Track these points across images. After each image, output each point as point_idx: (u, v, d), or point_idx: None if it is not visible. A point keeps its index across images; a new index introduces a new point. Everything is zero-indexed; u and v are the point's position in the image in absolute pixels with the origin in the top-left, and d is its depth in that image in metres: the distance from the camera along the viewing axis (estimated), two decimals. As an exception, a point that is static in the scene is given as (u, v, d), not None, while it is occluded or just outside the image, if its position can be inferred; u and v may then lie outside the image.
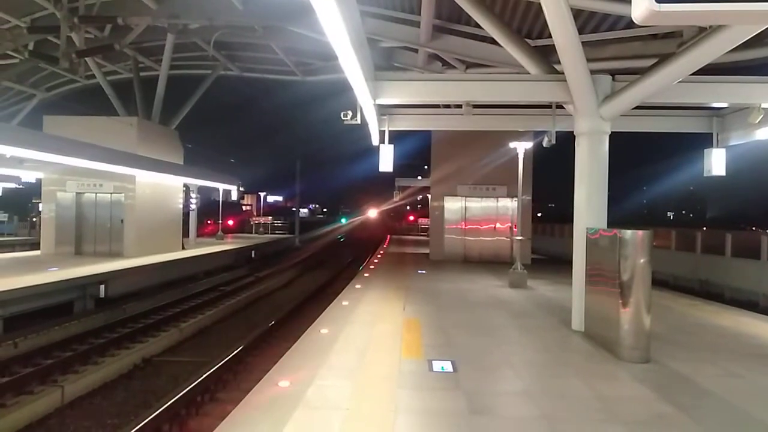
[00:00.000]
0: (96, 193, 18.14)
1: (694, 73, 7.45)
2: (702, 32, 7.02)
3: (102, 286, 13.19)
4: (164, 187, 20.00)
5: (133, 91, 19.43)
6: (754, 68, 9.58)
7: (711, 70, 7.98)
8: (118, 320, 12.07)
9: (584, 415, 4.77)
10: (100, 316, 12.42)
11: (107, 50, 16.10)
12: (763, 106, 8.78)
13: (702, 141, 11.65)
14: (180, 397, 7.43)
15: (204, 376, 8.31)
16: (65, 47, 13.53)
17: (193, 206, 26.27)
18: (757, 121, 8.95)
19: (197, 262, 19.49)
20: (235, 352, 9.68)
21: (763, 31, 7.18)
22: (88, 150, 14.14)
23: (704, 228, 26.39)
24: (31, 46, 16.13)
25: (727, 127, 11.11)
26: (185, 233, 24.32)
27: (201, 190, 27.17)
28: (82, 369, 8.92)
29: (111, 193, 18.06)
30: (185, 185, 23.44)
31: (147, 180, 18.32)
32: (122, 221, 17.99)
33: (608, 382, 5.72)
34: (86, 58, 16.09)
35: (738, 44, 6.57)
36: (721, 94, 8.85)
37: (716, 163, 11.16)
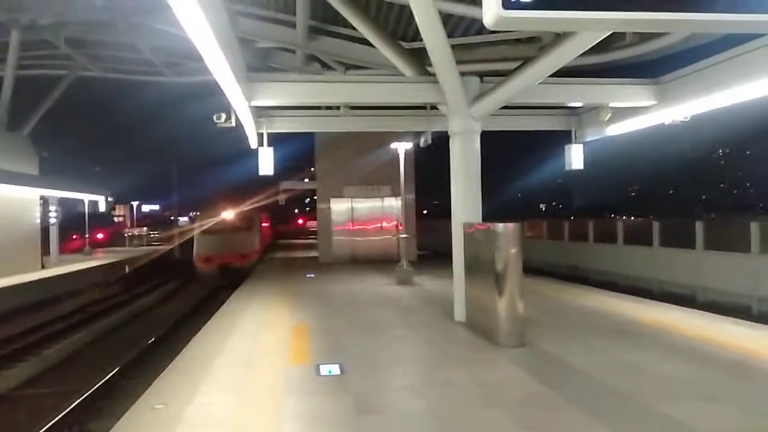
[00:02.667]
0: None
1: (552, 75, 8.04)
2: (558, 37, 7.62)
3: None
4: (15, 201, 17.91)
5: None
6: (604, 71, 10.57)
7: (568, 72, 8.70)
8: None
9: (467, 402, 4.95)
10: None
11: None
12: (611, 105, 9.73)
13: (567, 137, 12.68)
14: (42, 432, 6.68)
15: (72, 406, 7.54)
16: None
17: (52, 220, 23.80)
18: (606, 119, 9.90)
19: (60, 281, 17.67)
20: (108, 376, 8.90)
21: (610, 37, 7.94)
22: None
23: (571, 217, 28.83)
24: None
25: (583, 124, 12.18)
26: (45, 251, 21.97)
27: (62, 202, 24.71)
28: None
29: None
30: (42, 198, 21.17)
31: (-7, 193, 16.29)
32: (-36, 240, 15.86)
33: (488, 368, 6.00)
34: None
35: (587, 49, 7.19)
36: (576, 95, 9.68)
37: (575, 157, 12.18)
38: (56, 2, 12.45)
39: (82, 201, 26.72)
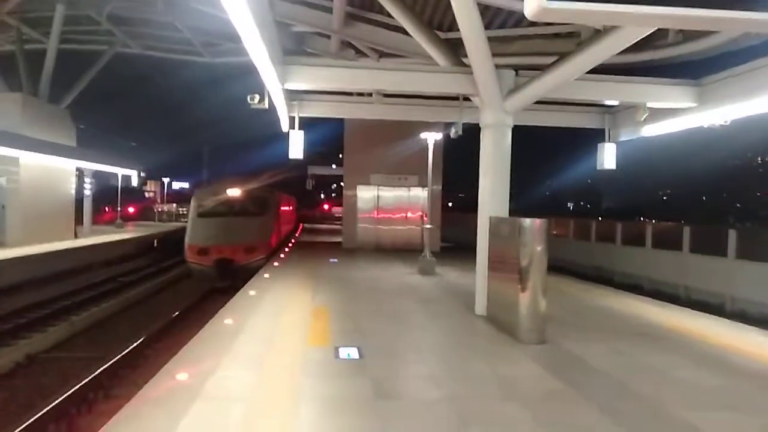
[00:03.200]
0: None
1: (589, 72, 7.91)
2: (597, 33, 7.48)
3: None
4: (53, 171, 18.44)
5: (18, 66, 17.66)
6: (642, 70, 10.33)
7: (604, 69, 8.53)
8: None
9: (484, 394, 4.96)
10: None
11: None
12: (648, 105, 9.51)
13: (599, 136, 12.46)
14: (69, 395, 6.92)
15: (98, 371, 7.78)
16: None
17: (87, 192, 24.43)
18: (642, 119, 9.68)
19: (92, 251, 18.19)
20: (134, 345, 9.16)
21: (652, 35, 7.76)
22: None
23: (599, 218, 28.38)
24: None
25: (618, 123, 11.94)
26: (79, 221, 22.59)
27: (97, 175, 25.33)
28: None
29: (-10, 176, 16.40)
30: (78, 169, 21.74)
31: (33, 162, 16.78)
32: (3, 207, 16.39)
33: (507, 362, 5.99)
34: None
35: (628, 46, 7.06)
36: (612, 93, 9.48)
37: (608, 157, 11.96)
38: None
39: (115, 175, 27.34)
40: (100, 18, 15.90)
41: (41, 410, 6.35)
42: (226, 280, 14.73)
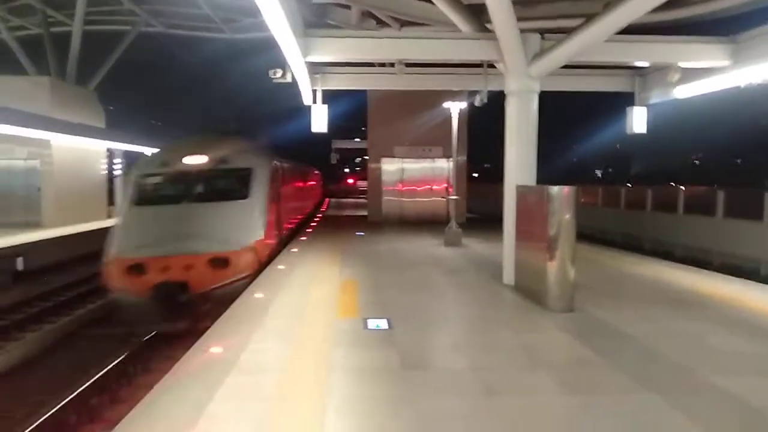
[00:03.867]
0: (8, 159, 16.85)
1: (618, 33, 7.66)
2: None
3: (20, 259, 12.40)
4: (85, 152, 18.83)
5: (45, 49, 17.92)
6: (673, 29, 9.95)
7: (634, 30, 8.24)
8: (39, 294, 11.42)
9: (512, 363, 4.97)
10: (17, 291, 11.70)
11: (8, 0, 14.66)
12: (681, 65, 9.17)
13: (628, 100, 12.11)
14: (111, 368, 7.20)
15: (132, 348, 8.07)
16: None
17: (118, 172, 24.91)
18: (675, 80, 9.36)
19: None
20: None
21: (681, -8, 7.43)
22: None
23: (628, 184, 27.81)
24: None
25: (648, 86, 11.57)
26: (111, 201, 23.13)
27: (126, 155, 25.77)
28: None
29: (25, 159, 16.81)
30: (109, 150, 22.15)
31: (65, 144, 17.15)
32: (38, 189, 16.86)
33: (535, 331, 5.99)
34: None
35: (659, 4, 6.79)
36: (643, 54, 9.17)
37: (637, 121, 11.65)
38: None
39: (144, 154, 27.75)
40: (121, -3, 15.97)
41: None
42: (178, 321, 8.61)
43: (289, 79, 9.15)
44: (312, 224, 19.58)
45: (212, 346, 5.34)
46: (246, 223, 9.94)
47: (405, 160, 20.49)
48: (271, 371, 4.69)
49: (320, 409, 3.93)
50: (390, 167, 20.59)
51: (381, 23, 12.98)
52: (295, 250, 12.32)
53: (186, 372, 4.71)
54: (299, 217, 18.98)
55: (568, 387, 4.37)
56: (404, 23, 12.45)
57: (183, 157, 10.55)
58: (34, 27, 19.07)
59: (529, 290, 7.38)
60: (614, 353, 5.17)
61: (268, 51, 9.36)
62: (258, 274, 9.32)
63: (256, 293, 7.76)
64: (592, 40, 7.75)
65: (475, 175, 45.89)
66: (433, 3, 9.46)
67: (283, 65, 8.86)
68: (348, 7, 12.68)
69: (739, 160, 71.98)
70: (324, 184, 40.64)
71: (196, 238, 9.13)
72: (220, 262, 8.89)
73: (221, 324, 6.25)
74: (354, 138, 39.25)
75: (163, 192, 10.63)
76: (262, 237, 10.11)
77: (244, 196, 10.29)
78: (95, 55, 20.22)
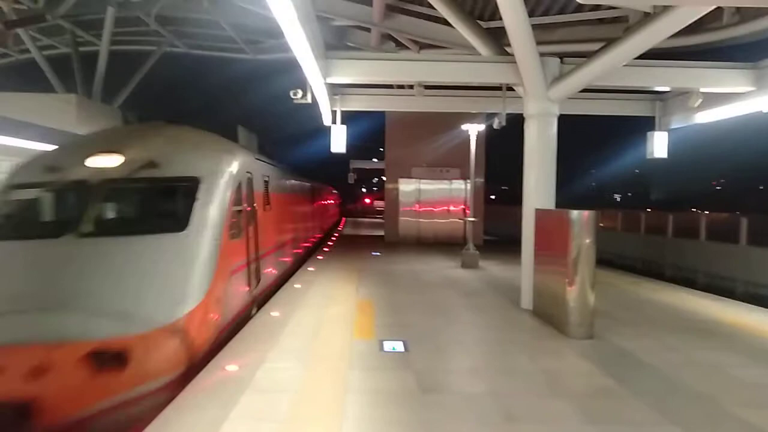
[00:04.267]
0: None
1: (638, 57, 7.66)
2: (646, 17, 7.21)
3: None
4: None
5: (72, 67, 18.40)
6: (695, 54, 9.91)
7: (654, 55, 8.24)
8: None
9: (530, 390, 4.88)
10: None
11: (39, 21, 15.15)
12: (702, 90, 9.11)
13: (647, 125, 12.04)
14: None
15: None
16: (-7, 18, 12.66)
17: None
18: (696, 105, 9.28)
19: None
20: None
21: (704, 17, 7.41)
22: (21, 129, 13.33)
23: (648, 209, 27.49)
24: (-44, 17, 15.03)
25: (669, 110, 11.49)
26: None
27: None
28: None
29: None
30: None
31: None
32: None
33: (554, 357, 5.88)
34: (19, 31, 15.11)
35: (680, 29, 6.78)
36: (663, 78, 9.13)
37: (658, 145, 11.55)
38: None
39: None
40: (148, 19, 16.38)
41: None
42: None
43: (309, 99, 9.26)
44: (329, 243, 19.60)
45: (228, 364, 5.33)
46: (173, 279, 5.49)
47: (422, 180, 20.53)
48: (286, 391, 4.67)
49: (336, 431, 3.89)
50: (407, 188, 20.64)
51: (400, 45, 13.14)
52: (312, 269, 12.33)
53: (202, 390, 4.70)
54: (300, 250, 14.21)
55: (589, 416, 4.27)
56: (423, 45, 12.58)
57: (85, 158, 6.28)
58: (62, 46, 19.63)
59: (548, 315, 7.28)
60: (636, 382, 5.05)
61: (290, 72, 9.51)
62: (191, 375, 5.03)
63: (273, 311, 7.76)
64: (612, 65, 7.74)
65: (493, 197, 45.76)
66: (452, 26, 9.57)
67: (304, 86, 8.98)
68: (368, 29, 12.87)
69: (762, 186, 70.76)
70: (341, 204, 40.80)
71: (68, 310, 4.88)
72: (109, 360, 4.47)
73: (237, 342, 6.24)
74: (372, 158, 39.46)
75: (34, 217, 6.44)
76: (204, 305, 5.59)
77: (178, 228, 5.87)
78: (121, 74, 20.70)
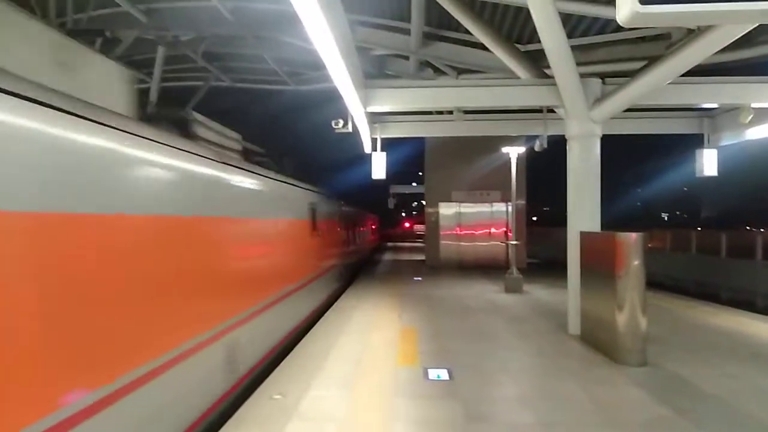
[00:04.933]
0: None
1: (683, 75, 7.48)
2: (690, 34, 7.07)
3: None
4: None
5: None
6: (743, 68, 9.61)
7: (701, 71, 8.02)
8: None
9: (581, 419, 4.72)
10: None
11: (98, 34, 16.03)
12: (753, 105, 8.81)
13: (696, 141, 11.70)
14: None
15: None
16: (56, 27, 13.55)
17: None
18: (747, 121, 8.97)
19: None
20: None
21: (752, 32, 7.21)
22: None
23: (699, 228, 26.49)
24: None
25: (718, 127, 11.15)
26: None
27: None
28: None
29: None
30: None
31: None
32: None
33: (605, 385, 5.68)
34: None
35: (727, 45, 6.60)
36: (711, 95, 8.88)
37: (708, 163, 11.19)
38: (197, 19, 13.73)
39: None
40: (195, 56, 17.13)
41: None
42: None
43: (350, 128, 9.43)
44: (371, 268, 19.64)
45: (273, 393, 5.38)
46: None
47: (462, 204, 20.44)
48: (331, 420, 4.66)
49: (382, 462, 3.85)
50: (447, 212, 20.57)
51: (438, 71, 13.25)
52: (354, 294, 12.37)
53: (247, 420, 4.74)
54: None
55: (646, 448, 4.09)
56: (461, 71, 12.65)
57: None
58: (116, 84, 20.67)
59: (598, 341, 7.06)
60: (695, 412, 4.82)
61: (330, 102, 9.73)
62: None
63: (317, 338, 7.80)
64: (656, 84, 7.59)
65: (534, 218, 45.04)
66: (490, 51, 9.60)
67: (344, 116, 9.16)
68: (406, 57, 13.06)
69: (822, 202, 67.18)
70: (381, 228, 40.97)
71: None
72: None
73: (282, 370, 6.30)
74: (411, 182, 39.63)
75: None
76: None
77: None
78: (171, 108, 21.59)
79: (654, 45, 10.02)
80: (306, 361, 6.65)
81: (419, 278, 16.07)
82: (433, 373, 6.05)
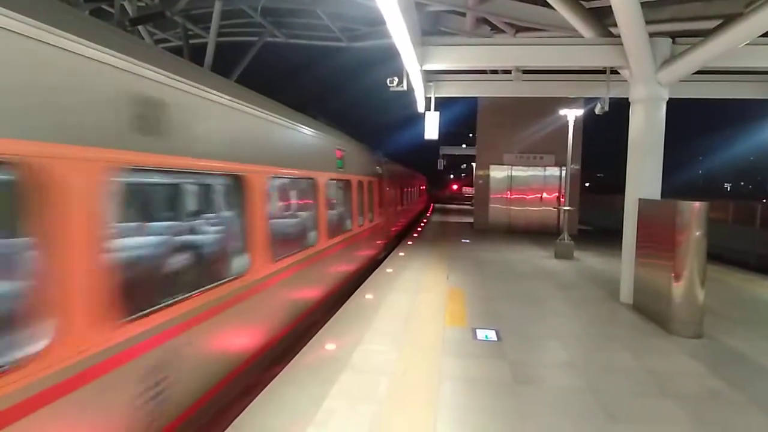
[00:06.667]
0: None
1: (763, 35, 6.99)
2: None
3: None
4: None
5: (183, 59, 19.72)
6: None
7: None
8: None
9: (632, 388, 4.70)
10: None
11: (158, 18, 16.37)
12: (840, 69, 8.17)
13: (761, 107, 10.99)
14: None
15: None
16: (119, 15, 13.85)
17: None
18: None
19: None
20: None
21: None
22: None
23: (764, 200, 25.15)
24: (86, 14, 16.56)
25: (795, 92, 10.42)
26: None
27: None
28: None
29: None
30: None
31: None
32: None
33: (658, 356, 5.61)
34: (139, 27, 16.45)
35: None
36: (793, 57, 8.26)
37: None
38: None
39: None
40: (252, 11, 17.19)
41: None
42: None
43: (405, 87, 9.33)
44: (418, 229, 19.71)
45: (327, 343, 5.59)
46: None
47: (514, 167, 20.06)
48: (383, 373, 4.82)
49: (431, 417, 3.97)
50: (498, 174, 20.26)
51: (495, 29, 12.82)
52: (402, 254, 12.50)
53: (303, 366, 4.97)
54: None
55: (699, 420, 4.05)
56: (519, 29, 12.19)
57: None
58: (174, 39, 21.07)
59: (651, 311, 6.93)
60: (750, 386, 4.71)
61: (384, 62, 9.62)
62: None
63: (367, 294, 7.99)
64: (732, 44, 7.11)
65: (587, 184, 43.79)
66: (552, 8, 9.19)
67: (399, 74, 9.05)
68: (463, 14, 12.67)
69: None
70: (430, 190, 40.83)
71: None
72: None
73: (335, 321, 6.50)
74: (461, 144, 39.05)
75: None
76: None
77: None
78: (227, 63, 21.86)
79: (728, 3, 9.35)
80: (357, 315, 6.84)
81: (467, 240, 16.04)
82: (481, 334, 6.12)
